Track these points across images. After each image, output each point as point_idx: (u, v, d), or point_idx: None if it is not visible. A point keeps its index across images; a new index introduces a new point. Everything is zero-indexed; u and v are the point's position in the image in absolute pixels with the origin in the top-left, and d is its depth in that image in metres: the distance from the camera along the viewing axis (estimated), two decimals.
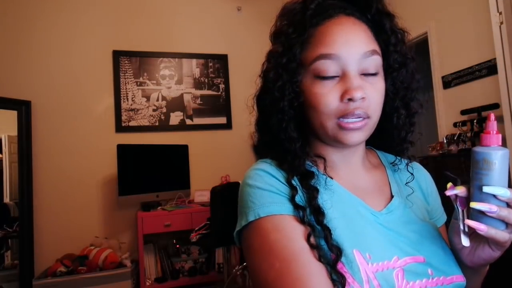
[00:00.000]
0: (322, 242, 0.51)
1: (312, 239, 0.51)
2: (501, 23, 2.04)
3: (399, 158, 0.67)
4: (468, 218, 0.49)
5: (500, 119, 2.08)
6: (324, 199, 0.56)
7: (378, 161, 0.69)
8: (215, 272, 2.97)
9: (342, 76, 0.54)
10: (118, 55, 3.13)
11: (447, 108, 2.54)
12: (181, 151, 3.16)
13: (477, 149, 0.48)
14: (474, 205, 0.47)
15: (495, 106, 2.09)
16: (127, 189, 2.76)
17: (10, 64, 2.86)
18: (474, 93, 2.30)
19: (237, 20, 3.53)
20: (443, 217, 0.70)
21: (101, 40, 3.11)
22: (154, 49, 3.25)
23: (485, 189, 0.47)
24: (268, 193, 0.55)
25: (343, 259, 0.49)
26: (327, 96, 0.54)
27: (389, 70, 0.60)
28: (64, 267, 2.52)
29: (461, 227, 0.51)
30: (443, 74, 2.55)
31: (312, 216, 0.53)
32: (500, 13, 2.04)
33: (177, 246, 3.04)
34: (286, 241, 0.50)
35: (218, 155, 3.34)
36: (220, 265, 2.96)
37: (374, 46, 0.56)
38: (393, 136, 0.65)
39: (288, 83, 0.57)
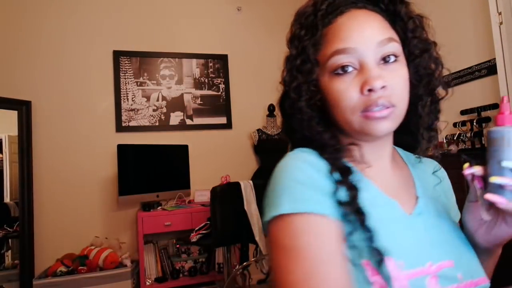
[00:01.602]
0: (362, 244, 0.48)
1: (349, 240, 0.49)
2: (501, 23, 2.04)
3: (418, 157, 0.67)
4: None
5: None
6: (363, 198, 0.52)
7: (401, 159, 0.67)
8: (215, 272, 2.98)
9: (360, 68, 0.53)
10: (118, 55, 3.13)
11: (447, 108, 2.54)
12: (181, 151, 3.16)
13: (494, 129, 0.51)
14: (494, 179, 0.48)
15: (495, 106, 2.09)
16: (127, 189, 2.76)
17: (10, 64, 2.86)
18: (473, 93, 2.30)
19: (237, 20, 3.53)
20: (459, 215, 0.68)
21: (101, 40, 3.11)
22: (154, 49, 3.25)
23: (504, 163, 0.48)
24: (309, 189, 0.49)
25: (376, 265, 0.47)
26: (347, 91, 0.53)
27: (411, 58, 0.58)
28: (65, 267, 2.52)
29: (481, 202, 0.52)
30: (442, 74, 2.55)
31: (353, 215, 0.50)
32: (500, 13, 2.04)
33: (177, 246, 3.04)
34: (319, 245, 0.46)
35: (218, 155, 3.35)
36: (220, 265, 2.96)
37: (391, 33, 0.55)
38: (417, 126, 0.63)
39: (304, 84, 0.56)
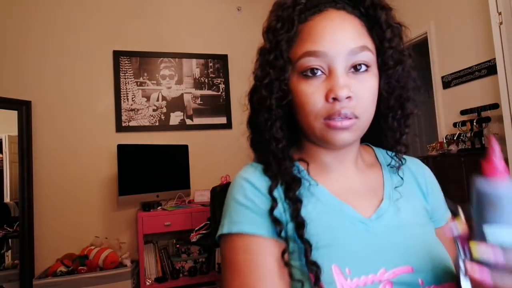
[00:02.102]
0: (302, 259, 0.49)
1: (286, 257, 0.50)
2: (501, 23, 2.04)
3: (395, 158, 0.63)
4: (472, 258, 0.39)
5: (500, 119, 2.08)
6: (308, 211, 0.53)
7: (374, 159, 0.65)
8: (215, 272, 2.98)
9: (329, 74, 0.51)
10: (118, 55, 3.13)
11: (447, 108, 2.55)
12: (181, 151, 3.16)
13: (480, 181, 0.40)
14: (476, 253, 0.38)
15: (495, 106, 2.09)
16: (127, 189, 2.77)
17: (10, 64, 2.86)
18: (473, 93, 2.30)
19: (237, 20, 3.53)
20: (447, 214, 0.65)
21: (101, 40, 3.11)
22: (154, 49, 3.25)
23: (489, 230, 0.38)
24: (244, 210, 0.54)
25: (320, 276, 0.47)
26: (313, 96, 0.52)
27: (384, 68, 0.56)
28: (65, 267, 2.52)
29: (462, 268, 0.40)
30: (443, 74, 2.55)
31: (293, 230, 0.51)
32: (500, 13, 2.04)
33: (177, 246, 3.04)
34: (253, 265, 0.50)
35: (218, 155, 3.35)
36: (220, 265, 2.96)
37: (365, 41, 0.53)
38: (387, 137, 0.62)
39: (276, 80, 0.54)
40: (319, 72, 0.52)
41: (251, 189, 0.55)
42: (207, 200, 2.84)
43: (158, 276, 2.86)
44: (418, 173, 0.65)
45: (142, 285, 2.68)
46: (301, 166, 0.59)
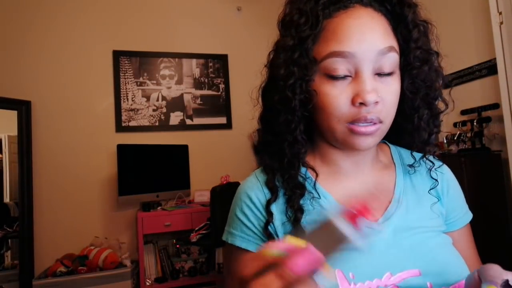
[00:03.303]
0: None
1: None
2: (501, 23, 2.04)
3: (423, 160, 0.60)
4: None
5: (500, 119, 2.08)
6: (312, 218, 0.52)
7: (389, 159, 0.63)
8: (215, 272, 2.97)
9: (355, 77, 0.49)
10: (118, 55, 3.13)
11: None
12: (181, 151, 3.16)
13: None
14: None
15: (495, 106, 2.09)
16: (127, 189, 2.76)
17: (10, 64, 2.86)
18: (474, 93, 2.29)
19: (237, 20, 3.52)
20: (466, 217, 0.62)
21: (101, 40, 3.11)
22: (154, 49, 3.25)
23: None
24: (240, 224, 0.57)
25: (324, 281, 0.47)
26: (338, 98, 0.49)
27: (408, 67, 0.54)
28: (64, 267, 2.51)
29: None
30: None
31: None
32: (500, 13, 2.04)
33: (177, 246, 3.04)
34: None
35: (218, 155, 3.34)
36: (220, 265, 2.96)
37: (392, 41, 0.50)
38: (413, 138, 0.59)
39: (300, 81, 0.51)
40: (345, 73, 0.49)
41: (248, 204, 0.57)
42: (207, 200, 2.84)
43: (158, 276, 2.85)
44: (438, 175, 0.62)
45: (142, 285, 2.68)
46: (310, 175, 0.57)
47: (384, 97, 0.49)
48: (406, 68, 0.54)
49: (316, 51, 0.51)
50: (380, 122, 0.50)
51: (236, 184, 2.39)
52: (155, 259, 2.91)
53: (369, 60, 0.48)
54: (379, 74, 0.50)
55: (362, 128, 0.49)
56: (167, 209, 2.83)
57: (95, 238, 2.83)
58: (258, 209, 0.56)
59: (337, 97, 0.49)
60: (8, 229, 2.75)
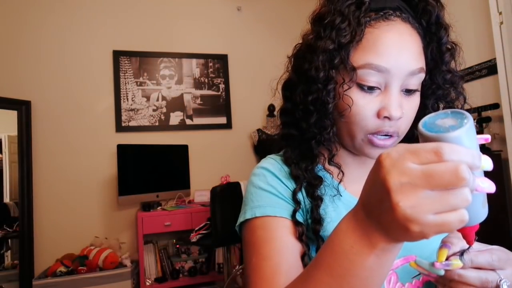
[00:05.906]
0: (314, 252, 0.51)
1: (304, 238, 0.52)
2: (501, 23, 2.04)
3: None
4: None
5: (500, 119, 2.08)
6: (330, 210, 0.55)
7: None
8: (215, 272, 2.97)
9: (384, 90, 0.51)
10: (118, 55, 3.13)
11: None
12: (181, 151, 3.16)
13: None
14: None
15: (495, 106, 2.08)
16: (127, 189, 2.76)
17: (10, 64, 2.86)
18: (474, 93, 2.28)
19: (237, 20, 3.52)
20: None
21: (101, 40, 3.11)
22: (154, 49, 3.25)
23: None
24: (267, 194, 0.56)
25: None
26: (365, 109, 0.51)
27: (433, 86, 0.55)
28: (64, 267, 2.51)
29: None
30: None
31: (311, 225, 0.53)
32: (500, 13, 2.04)
33: (177, 246, 3.04)
34: (269, 238, 0.52)
35: (218, 155, 3.34)
36: (220, 265, 2.96)
37: (422, 62, 0.51)
38: None
39: (340, 87, 0.52)
40: (376, 86, 0.51)
41: (272, 176, 0.58)
42: (207, 200, 2.83)
43: (158, 276, 2.86)
44: None
45: (142, 285, 2.68)
46: (329, 170, 0.59)
47: (406, 112, 0.51)
48: (431, 87, 0.56)
49: (352, 58, 0.51)
50: (398, 136, 0.53)
51: (236, 184, 2.39)
52: (155, 259, 2.91)
53: (400, 78, 0.50)
54: (404, 91, 0.52)
55: (381, 141, 0.52)
56: (167, 209, 2.83)
57: (95, 238, 2.83)
58: (283, 182, 0.57)
59: (364, 107, 0.51)
60: (8, 229, 2.75)
